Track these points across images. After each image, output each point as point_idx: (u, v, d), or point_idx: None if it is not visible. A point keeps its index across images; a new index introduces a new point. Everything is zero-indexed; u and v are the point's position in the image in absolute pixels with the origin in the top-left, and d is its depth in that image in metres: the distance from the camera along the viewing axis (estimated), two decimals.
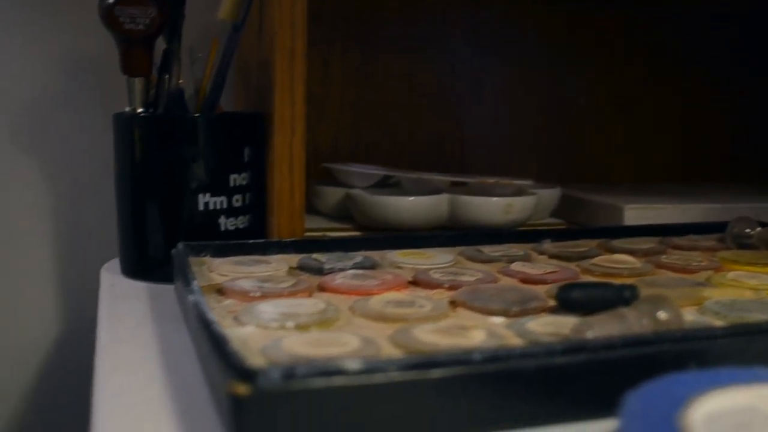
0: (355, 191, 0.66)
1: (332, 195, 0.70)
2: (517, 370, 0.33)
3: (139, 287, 0.57)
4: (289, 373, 0.30)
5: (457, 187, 0.67)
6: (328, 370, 0.31)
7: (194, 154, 0.57)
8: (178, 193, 0.57)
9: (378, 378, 0.31)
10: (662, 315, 0.38)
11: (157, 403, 0.36)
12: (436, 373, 0.32)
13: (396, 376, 0.31)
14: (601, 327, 0.37)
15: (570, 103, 0.96)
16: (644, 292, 0.44)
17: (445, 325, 0.39)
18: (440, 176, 0.66)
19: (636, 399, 0.28)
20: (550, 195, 0.71)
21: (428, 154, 0.89)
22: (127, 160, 0.58)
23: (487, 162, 0.91)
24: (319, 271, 0.51)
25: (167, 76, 0.59)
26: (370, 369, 0.31)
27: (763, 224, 0.64)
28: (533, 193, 0.67)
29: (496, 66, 0.92)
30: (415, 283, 0.49)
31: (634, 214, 0.70)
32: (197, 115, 0.59)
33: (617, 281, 0.51)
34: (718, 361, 0.36)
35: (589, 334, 0.36)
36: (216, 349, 0.33)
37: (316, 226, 0.66)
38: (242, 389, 0.29)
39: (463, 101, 0.91)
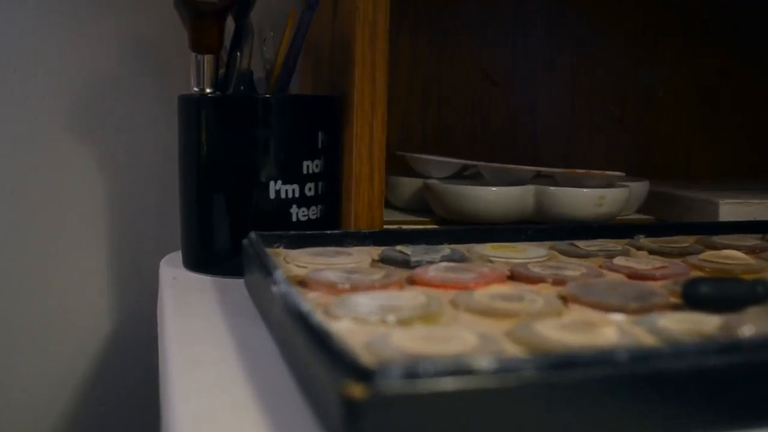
0: (434, 181, 0.62)
1: (407, 186, 0.65)
2: (668, 372, 0.28)
3: (204, 280, 0.53)
4: (412, 372, 0.26)
5: (541, 179, 0.62)
6: (458, 369, 0.26)
7: (266, 139, 0.53)
8: (248, 181, 0.53)
9: (514, 379, 0.27)
10: None
11: (240, 405, 0.32)
12: (577, 375, 0.27)
13: (534, 377, 0.27)
14: (755, 323, 0.32)
15: (647, 93, 0.90)
16: None
17: (569, 321, 0.34)
18: (524, 166, 0.61)
19: None
20: (639, 188, 0.66)
21: (500, 143, 0.84)
22: (193, 144, 0.54)
23: (560, 152, 0.87)
24: (406, 264, 0.47)
25: (238, 54, 0.55)
26: (505, 368, 0.27)
27: None
28: (626, 186, 0.62)
29: (573, 54, 0.87)
30: (513, 277, 0.45)
31: (730, 209, 0.65)
32: (269, 96, 0.55)
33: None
34: None
35: (745, 331, 0.31)
36: (320, 344, 0.29)
37: (391, 219, 0.61)
38: (358, 391, 0.25)
39: (536, 89, 0.86)
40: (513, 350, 0.31)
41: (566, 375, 0.27)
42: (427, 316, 0.35)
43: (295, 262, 0.47)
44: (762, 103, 0.94)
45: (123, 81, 0.75)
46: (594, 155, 0.88)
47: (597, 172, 0.59)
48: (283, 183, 0.53)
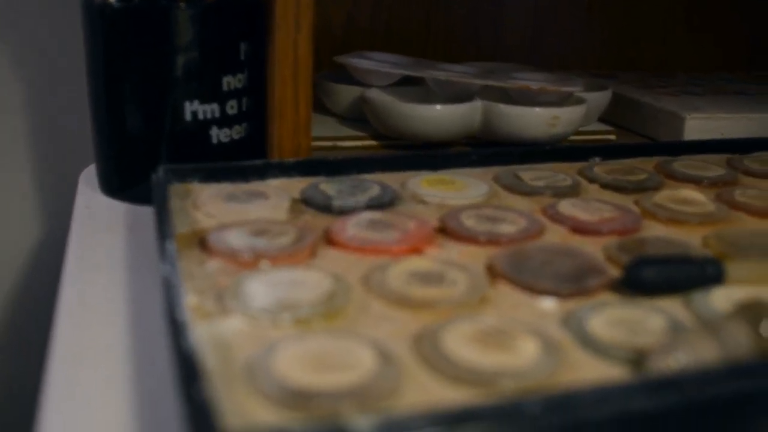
0: (372, 93, 0.56)
1: (345, 94, 0.60)
2: (584, 423, 0.25)
3: (118, 211, 0.48)
4: None
5: (492, 91, 0.57)
6: None
7: (179, 52, 0.47)
8: (161, 100, 0.47)
9: None
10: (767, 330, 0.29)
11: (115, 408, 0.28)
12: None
13: None
14: (691, 349, 0.28)
15: None
16: (731, 269, 0.35)
17: (485, 326, 0.30)
18: (472, 78, 0.55)
19: None
20: (600, 99, 0.61)
21: (460, 38, 0.78)
22: (99, 60, 0.48)
23: (528, 48, 0.80)
24: (327, 209, 0.42)
25: None
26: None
27: None
28: (583, 100, 0.57)
29: None
30: (443, 230, 0.41)
31: (696, 124, 0.61)
32: (182, 2, 0.49)
33: (688, 233, 0.42)
34: None
35: (675, 361, 0.27)
36: (184, 381, 0.25)
37: (325, 134, 0.56)
38: None
39: None
40: (417, 377, 0.27)
41: None
42: (329, 311, 0.31)
43: (204, 208, 0.42)
44: None
45: None
46: (565, 50, 0.81)
47: (552, 87, 0.54)
48: (201, 102, 0.48)
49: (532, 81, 0.56)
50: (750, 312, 0.30)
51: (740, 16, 0.89)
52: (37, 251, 0.74)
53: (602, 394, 0.25)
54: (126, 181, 0.50)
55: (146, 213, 0.47)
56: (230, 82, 0.49)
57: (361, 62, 0.59)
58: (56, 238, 0.70)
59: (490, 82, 0.54)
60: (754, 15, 0.89)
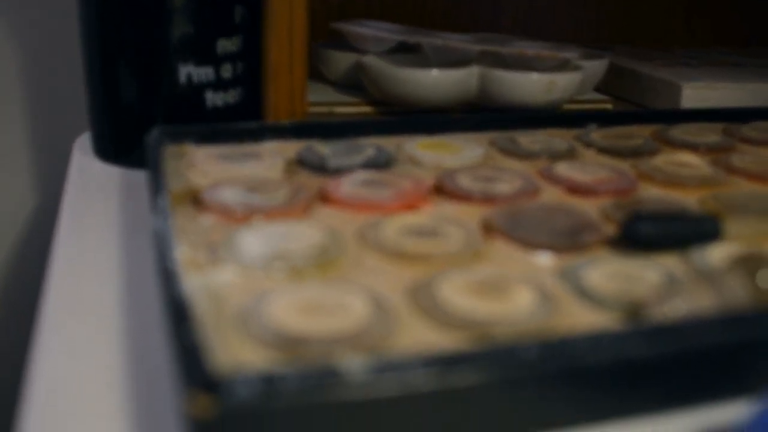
0: (368, 59, 0.56)
1: (342, 61, 0.59)
2: (579, 369, 0.24)
3: (113, 176, 0.48)
4: (265, 389, 0.22)
5: (489, 57, 0.56)
6: (319, 380, 0.22)
7: (172, 15, 0.46)
8: (155, 63, 0.47)
9: (391, 387, 0.22)
10: (765, 280, 0.29)
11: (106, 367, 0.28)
12: (469, 380, 0.23)
13: (413, 383, 0.23)
14: (688, 298, 0.28)
15: None
16: (729, 225, 0.35)
17: (480, 277, 0.30)
18: (469, 44, 0.55)
19: None
20: (597, 67, 0.60)
21: (457, 13, 0.77)
22: (92, 22, 0.48)
23: (526, 19, 0.80)
24: (322, 169, 0.42)
25: None
26: (379, 372, 0.22)
27: None
28: (579, 67, 0.57)
29: None
30: (439, 190, 0.40)
31: (693, 93, 0.60)
32: None
33: (684, 194, 0.42)
34: None
35: (672, 310, 0.27)
36: (173, 329, 0.25)
37: (321, 99, 0.56)
38: (201, 409, 0.21)
39: None
40: (412, 324, 0.27)
41: (456, 379, 0.23)
42: (323, 262, 0.31)
43: (198, 167, 0.41)
44: None
45: None
46: (562, 22, 0.81)
47: (547, 53, 0.54)
48: (195, 65, 0.47)
49: (529, 48, 0.55)
50: (747, 264, 0.29)
51: None
52: (32, 219, 0.74)
53: (597, 340, 0.25)
54: (121, 146, 0.50)
55: (142, 178, 0.47)
56: (225, 45, 0.48)
57: (357, 28, 0.58)
58: (51, 206, 0.70)
59: (486, 48, 0.54)
60: None
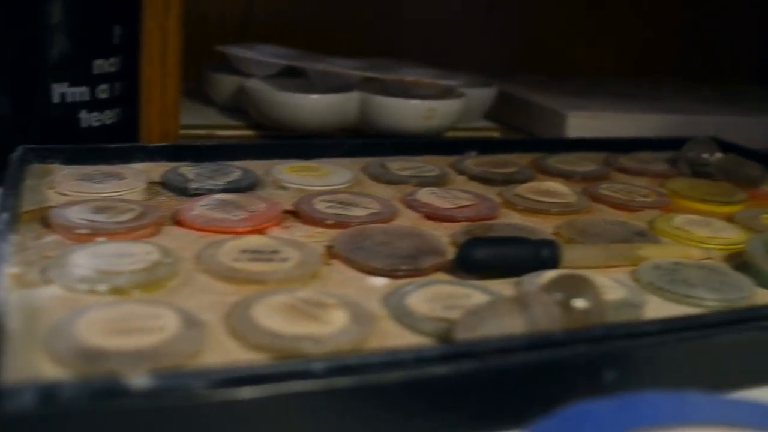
0: (250, 83, 0.56)
1: (226, 84, 0.60)
2: (372, 386, 0.25)
3: None
4: (47, 394, 0.22)
5: (372, 83, 0.57)
6: (101, 391, 0.22)
7: (47, 33, 0.47)
8: (26, 81, 0.47)
9: (173, 399, 0.23)
10: (579, 303, 0.29)
11: None
12: (247, 392, 0.23)
13: (197, 397, 0.23)
14: (497, 322, 0.28)
15: None
16: (566, 251, 0.36)
17: (300, 298, 0.30)
18: (352, 70, 0.56)
19: None
20: (483, 95, 0.62)
21: (358, 33, 0.78)
22: None
23: (429, 46, 0.81)
24: (184, 192, 0.42)
25: None
26: (162, 389, 0.23)
27: (724, 146, 0.56)
28: (461, 95, 0.58)
29: None
30: (295, 213, 0.41)
31: (578, 122, 0.62)
32: None
33: (543, 222, 0.43)
34: (643, 369, 0.29)
35: (476, 332, 0.28)
36: None
37: (204, 122, 0.56)
38: None
39: None
40: (222, 343, 0.27)
41: (235, 393, 0.23)
42: (150, 282, 0.31)
43: (59, 187, 0.41)
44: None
45: None
46: (466, 50, 0.82)
47: (426, 81, 0.55)
48: (70, 85, 0.47)
49: (412, 75, 0.56)
50: (562, 285, 0.30)
51: (643, 22, 0.91)
52: None
53: (393, 357, 0.25)
54: None
55: None
56: (102, 65, 0.48)
57: (241, 51, 0.59)
58: None
59: (366, 74, 0.55)
60: (653, 20, 0.91)
